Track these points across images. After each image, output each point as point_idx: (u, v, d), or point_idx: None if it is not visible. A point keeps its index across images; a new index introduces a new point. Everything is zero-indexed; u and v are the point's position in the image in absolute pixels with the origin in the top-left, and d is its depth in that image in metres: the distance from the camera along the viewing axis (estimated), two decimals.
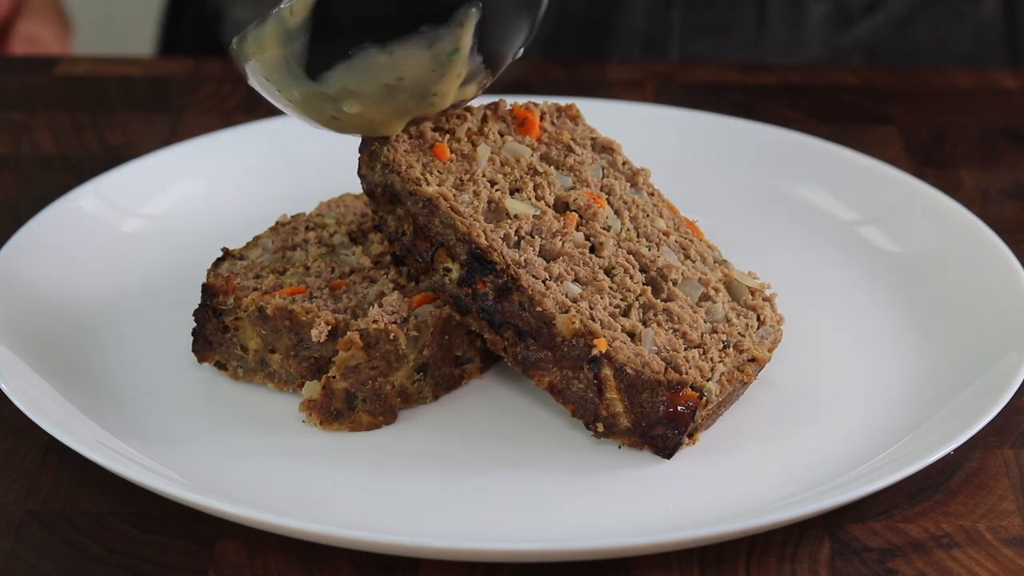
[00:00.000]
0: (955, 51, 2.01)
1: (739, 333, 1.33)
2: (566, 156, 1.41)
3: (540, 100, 1.45)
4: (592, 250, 1.36)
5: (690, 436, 1.30)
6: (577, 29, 2.00)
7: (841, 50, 2.01)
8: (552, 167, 1.40)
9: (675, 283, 1.35)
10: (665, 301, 1.34)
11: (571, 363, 1.28)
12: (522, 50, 1.36)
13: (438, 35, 1.28)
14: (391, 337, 1.30)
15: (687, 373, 1.27)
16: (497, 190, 1.35)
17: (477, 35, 1.29)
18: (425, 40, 1.28)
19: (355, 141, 1.37)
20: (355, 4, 1.28)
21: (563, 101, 1.45)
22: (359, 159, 1.37)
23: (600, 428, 1.29)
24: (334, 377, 1.31)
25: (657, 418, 1.27)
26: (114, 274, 1.49)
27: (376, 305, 1.32)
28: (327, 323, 1.31)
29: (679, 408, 1.26)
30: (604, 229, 1.37)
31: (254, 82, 1.34)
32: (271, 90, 1.33)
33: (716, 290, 1.36)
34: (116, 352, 1.40)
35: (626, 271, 1.35)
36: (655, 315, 1.32)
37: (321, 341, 1.31)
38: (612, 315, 1.31)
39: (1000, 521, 1.24)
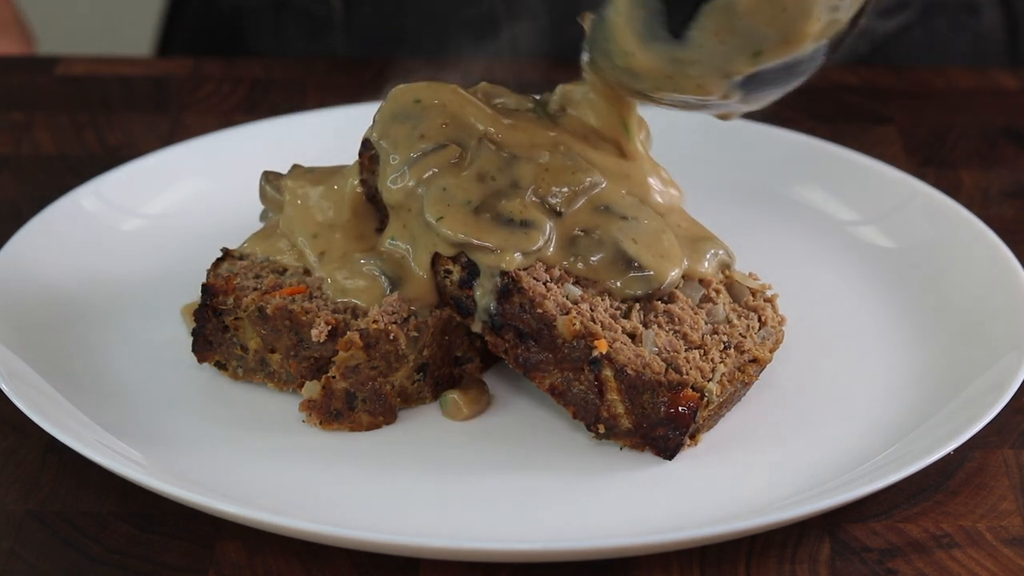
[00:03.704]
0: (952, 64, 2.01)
1: (740, 334, 1.33)
2: None
3: None
4: None
5: (692, 437, 1.29)
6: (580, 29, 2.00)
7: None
8: None
9: (676, 285, 1.35)
10: (666, 303, 1.33)
11: (572, 365, 1.28)
12: None
13: None
14: (391, 337, 1.30)
15: (688, 374, 1.27)
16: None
17: None
18: None
19: (356, 142, 1.37)
20: None
21: None
22: (359, 162, 1.37)
23: (601, 429, 1.29)
24: (334, 377, 1.31)
25: (658, 419, 1.27)
26: (114, 274, 1.49)
27: (376, 305, 1.32)
28: (327, 323, 1.31)
29: (680, 409, 1.26)
30: None
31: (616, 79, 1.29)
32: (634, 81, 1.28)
33: (717, 291, 1.36)
34: (116, 352, 1.40)
35: None
36: (656, 316, 1.32)
37: (321, 341, 1.31)
38: (613, 316, 1.31)
39: (1000, 521, 1.25)
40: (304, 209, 1.38)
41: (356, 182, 1.38)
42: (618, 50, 1.29)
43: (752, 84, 1.29)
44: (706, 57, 1.26)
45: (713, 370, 1.29)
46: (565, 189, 1.33)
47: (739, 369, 1.31)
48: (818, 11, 1.24)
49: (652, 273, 1.32)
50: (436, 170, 1.32)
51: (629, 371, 1.27)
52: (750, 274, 1.40)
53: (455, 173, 1.32)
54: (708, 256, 1.36)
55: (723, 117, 1.37)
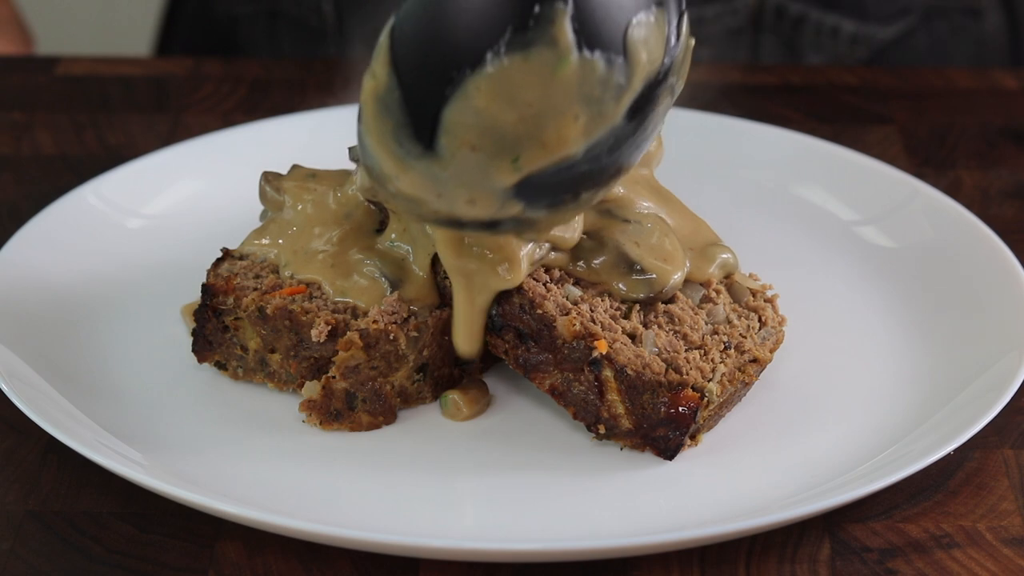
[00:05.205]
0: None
1: (740, 334, 1.33)
2: None
3: None
4: None
5: (692, 437, 1.29)
6: None
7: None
8: None
9: (678, 288, 1.35)
10: (666, 303, 1.33)
11: (572, 365, 1.28)
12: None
13: (529, 40, 1.13)
14: (391, 337, 1.30)
15: (688, 374, 1.27)
16: None
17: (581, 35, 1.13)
18: (519, 45, 1.13)
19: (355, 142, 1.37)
20: (431, 25, 1.14)
21: None
22: (358, 167, 1.37)
23: (601, 430, 1.29)
24: (334, 377, 1.31)
25: (658, 419, 1.27)
26: (113, 274, 1.49)
27: (376, 305, 1.32)
28: (327, 323, 1.31)
29: (680, 409, 1.26)
30: None
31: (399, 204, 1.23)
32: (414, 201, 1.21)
33: (717, 292, 1.36)
34: (116, 352, 1.40)
35: None
36: (656, 317, 1.32)
37: (321, 341, 1.31)
38: (613, 317, 1.31)
39: (1000, 521, 1.25)
40: (294, 241, 1.38)
41: (350, 196, 1.38)
42: (384, 175, 1.21)
43: (532, 195, 1.20)
44: (464, 169, 1.18)
45: (713, 370, 1.29)
46: None
47: (739, 369, 1.31)
48: (571, 107, 1.16)
49: (654, 276, 1.32)
50: None
51: (629, 371, 1.27)
52: (750, 274, 1.40)
53: None
54: (716, 264, 1.36)
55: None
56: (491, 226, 1.23)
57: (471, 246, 1.27)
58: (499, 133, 1.16)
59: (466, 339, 1.30)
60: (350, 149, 1.37)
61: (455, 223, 1.23)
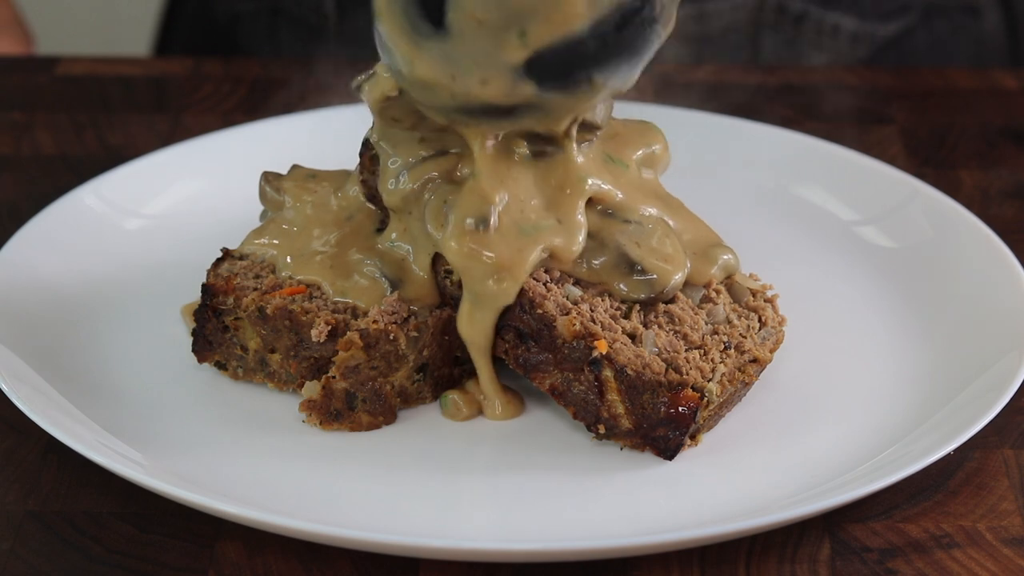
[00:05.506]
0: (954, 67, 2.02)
1: (740, 334, 1.33)
2: None
3: None
4: None
5: (692, 437, 1.29)
6: None
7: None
8: None
9: (679, 288, 1.35)
10: (666, 303, 1.33)
11: (572, 365, 1.28)
12: None
13: None
14: (391, 337, 1.30)
15: (688, 374, 1.27)
16: None
17: None
18: None
19: (356, 143, 1.37)
20: None
21: None
22: (359, 163, 1.37)
23: (601, 430, 1.29)
24: (334, 377, 1.31)
25: (658, 419, 1.27)
26: (114, 274, 1.49)
27: (376, 305, 1.32)
28: (327, 323, 1.31)
29: (680, 409, 1.26)
30: None
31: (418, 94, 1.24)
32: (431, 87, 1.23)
33: (717, 292, 1.36)
34: (116, 352, 1.40)
35: None
36: (656, 317, 1.32)
37: (321, 341, 1.31)
38: (613, 317, 1.31)
39: (1000, 521, 1.25)
40: (294, 238, 1.38)
41: (351, 196, 1.37)
42: (401, 62, 1.24)
43: (543, 74, 1.22)
44: (473, 45, 1.21)
45: (713, 370, 1.29)
46: (568, 192, 1.33)
47: (739, 369, 1.31)
48: None
49: (655, 277, 1.32)
50: (436, 175, 1.32)
51: (629, 371, 1.27)
52: (751, 275, 1.40)
53: (455, 182, 1.31)
54: (717, 265, 1.36)
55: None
56: (507, 113, 1.25)
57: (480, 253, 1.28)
58: (504, 7, 1.19)
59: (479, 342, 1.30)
60: (355, 81, 1.35)
61: (473, 111, 1.25)
